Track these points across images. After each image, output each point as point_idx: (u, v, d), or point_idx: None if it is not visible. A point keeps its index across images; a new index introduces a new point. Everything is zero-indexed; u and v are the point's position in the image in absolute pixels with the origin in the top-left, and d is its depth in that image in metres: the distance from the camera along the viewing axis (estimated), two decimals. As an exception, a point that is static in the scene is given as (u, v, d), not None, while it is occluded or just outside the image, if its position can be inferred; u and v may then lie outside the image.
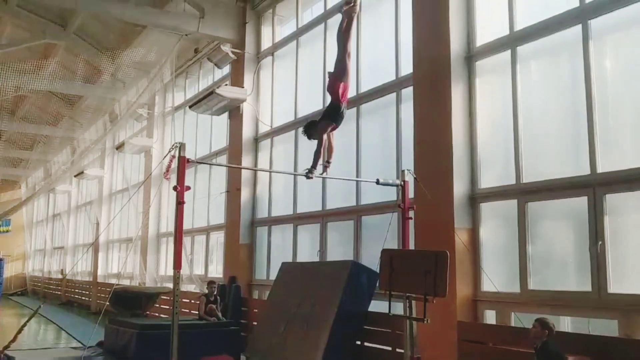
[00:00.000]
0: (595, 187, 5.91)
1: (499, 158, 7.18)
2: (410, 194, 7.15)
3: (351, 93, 9.61)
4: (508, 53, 7.08)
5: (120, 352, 9.24)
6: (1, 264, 22.57)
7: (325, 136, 6.46)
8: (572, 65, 6.49)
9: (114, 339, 9.78)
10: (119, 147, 17.96)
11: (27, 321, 8.78)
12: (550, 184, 6.39)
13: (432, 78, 7.65)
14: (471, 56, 7.48)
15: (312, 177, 6.68)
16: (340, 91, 6.40)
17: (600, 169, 5.92)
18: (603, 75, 6.13)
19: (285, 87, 11.83)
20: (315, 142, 6.59)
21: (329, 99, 10.19)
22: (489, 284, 6.76)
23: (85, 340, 11.31)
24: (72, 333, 13.64)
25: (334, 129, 6.62)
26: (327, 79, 6.65)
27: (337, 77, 6.48)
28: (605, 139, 5.99)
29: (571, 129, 6.46)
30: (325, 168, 6.85)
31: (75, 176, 23.16)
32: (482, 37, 7.45)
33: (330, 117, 6.50)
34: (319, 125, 6.50)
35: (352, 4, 6.38)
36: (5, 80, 15.12)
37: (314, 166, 6.61)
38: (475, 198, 7.20)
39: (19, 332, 8.62)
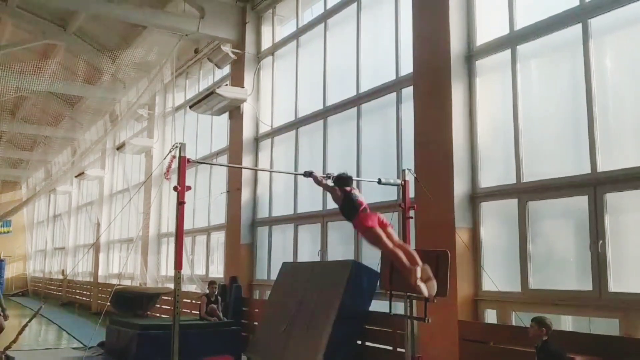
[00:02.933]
0: (596, 186, 5.91)
1: (499, 157, 7.18)
2: (411, 193, 7.15)
3: (352, 92, 9.68)
4: (508, 52, 7.08)
5: (121, 353, 9.24)
6: (2, 264, 22.57)
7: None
8: (572, 64, 6.48)
9: (115, 340, 9.78)
10: (120, 147, 17.97)
11: (28, 322, 8.77)
12: (551, 183, 6.39)
13: (432, 77, 7.65)
14: (471, 55, 7.47)
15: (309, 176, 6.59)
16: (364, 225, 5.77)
17: (600, 168, 5.92)
18: (603, 74, 6.13)
19: (285, 87, 11.83)
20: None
21: (329, 98, 10.31)
22: (489, 284, 6.76)
23: (86, 340, 11.31)
24: (73, 334, 13.65)
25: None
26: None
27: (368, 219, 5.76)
28: (606, 137, 5.98)
29: (571, 128, 6.46)
30: (324, 179, 6.61)
31: (75, 177, 23.17)
32: (482, 37, 7.45)
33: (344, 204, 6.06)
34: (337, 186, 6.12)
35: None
36: (5, 81, 15.12)
37: (314, 178, 6.46)
38: (476, 197, 7.20)
39: (20, 332, 8.63)
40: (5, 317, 8.73)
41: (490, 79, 7.39)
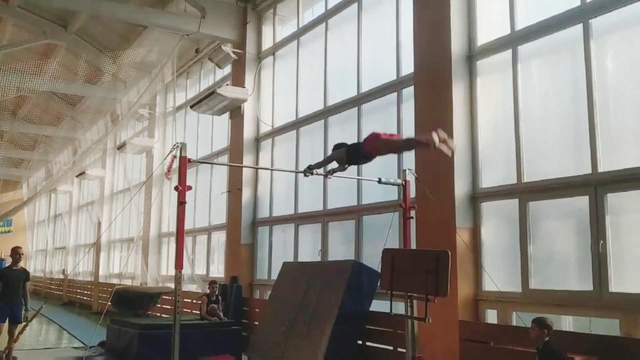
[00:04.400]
0: (597, 186, 5.91)
1: (500, 157, 7.18)
2: (412, 193, 7.14)
3: (352, 92, 9.68)
4: (509, 52, 7.08)
5: (122, 352, 9.25)
6: (2, 264, 22.60)
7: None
8: (573, 64, 6.48)
9: (115, 339, 9.79)
10: (120, 147, 17.98)
11: (29, 321, 8.77)
12: (552, 183, 6.38)
13: (433, 77, 7.65)
14: (472, 55, 7.47)
15: (308, 175, 6.67)
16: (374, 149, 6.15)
17: (601, 168, 5.92)
18: (604, 75, 6.12)
19: (286, 87, 11.84)
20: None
21: (330, 98, 10.31)
22: (490, 284, 6.75)
23: (87, 340, 11.32)
24: (74, 333, 13.66)
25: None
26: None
27: (379, 139, 6.09)
28: (607, 138, 5.98)
29: (572, 128, 6.46)
30: (329, 173, 6.78)
31: (76, 176, 23.18)
32: (483, 37, 7.45)
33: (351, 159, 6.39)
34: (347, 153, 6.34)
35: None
36: (6, 80, 15.13)
37: (315, 167, 6.57)
38: (477, 197, 7.20)
39: (21, 332, 8.63)
40: (25, 317, 8.73)
41: (491, 79, 7.38)
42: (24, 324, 8.65)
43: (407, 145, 6.33)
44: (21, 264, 9.05)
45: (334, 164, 6.61)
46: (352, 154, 6.29)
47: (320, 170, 6.81)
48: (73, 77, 16.63)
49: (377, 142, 6.01)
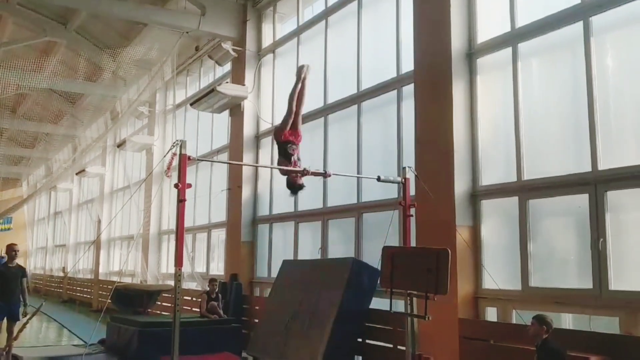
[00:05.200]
0: (597, 184, 5.90)
1: (500, 155, 7.18)
2: (412, 191, 7.14)
3: (352, 90, 9.66)
4: (509, 50, 7.07)
5: (122, 350, 9.26)
6: (2, 261, 22.57)
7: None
8: (573, 62, 6.47)
9: (115, 337, 9.80)
10: (120, 145, 17.97)
11: (29, 319, 8.77)
12: (552, 181, 6.38)
13: (433, 75, 7.64)
14: (472, 53, 7.47)
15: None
16: (284, 138, 7.08)
17: (601, 166, 5.91)
18: (604, 72, 6.12)
19: (286, 85, 11.78)
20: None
21: (330, 95, 10.31)
22: (490, 282, 6.75)
23: (87, 337, 11.33)
24: (74, 331, 13.67)
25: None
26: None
27: (281, 129, 7.19)
28: (607, 135, 5.98)
29: (572, 126, 6.45)
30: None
31: (76, 174, 23.19)
32: (483, 34, 7.44)
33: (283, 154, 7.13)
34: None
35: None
36: (6, 78, 15.12)
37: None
38: (477, 195, 7.20)
39: (21, 330, 8.63)
40: (24, 314, 8.74)
41: (491, 77, 7.38)
42: (24, 321, 8.65)
43: (297, 83, 7.19)
44: (20, 261, 9.03)
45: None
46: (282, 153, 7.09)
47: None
48: (73, 75, 16.61)
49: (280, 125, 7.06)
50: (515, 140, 6.85)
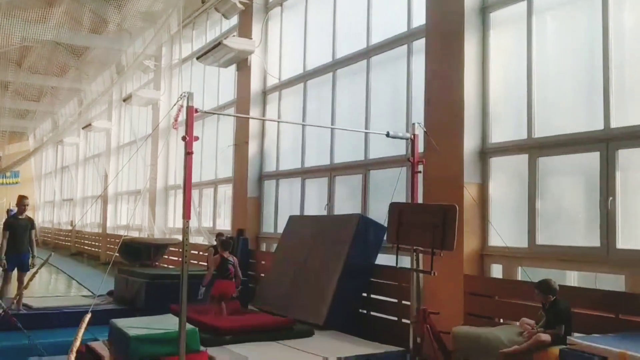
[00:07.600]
0: (608, 142, 5.83)
1: (511, 112, 7.08)
2: (420, 148, 7.08)
3: (361, 45, 9.49)
4: (524, 4, 6.88)
5: (130, 301, 9.39)
6: (12, 213, 22.78)
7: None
8: (589, 17, 6.30)
9: (123, 289, 9.94)
10: (126, 99, 17.88)
11: (38, 269, 8.86)
12: (563, 139, 6.30)
13: (445, 30, 7.48)
14: (485, 7, 7.28)
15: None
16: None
17: (614, 124, 5.82)
18: (621, 29, 5.95)
19: (294, 39, 11.63)
20: None
21: (338, 50, 10.13)
22: (496, 239, 6.76)
23: (95, 289, 11.51)
24: (83, 282, 13.88)
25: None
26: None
27: None
28: (621, 93, 5.86)
29: (586, 83, 6.33)
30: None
31: (82, 128, 23.16)
32: (498, -12, 7.23)
33: None
34: None
35: None
36: (10, 30, 14.92)
37: None
38: (486, 153, 7.14)
39: (30, 279, 8.75)
40: (32, 265, 8.96)
41: (505, 31, 7.21)
42: (33, 271, 8.78)
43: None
44: (29, 214, 9.15)
45: None
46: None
47: None
48: (78, 27, 16.37)
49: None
50: (527, 97, 6.74)
